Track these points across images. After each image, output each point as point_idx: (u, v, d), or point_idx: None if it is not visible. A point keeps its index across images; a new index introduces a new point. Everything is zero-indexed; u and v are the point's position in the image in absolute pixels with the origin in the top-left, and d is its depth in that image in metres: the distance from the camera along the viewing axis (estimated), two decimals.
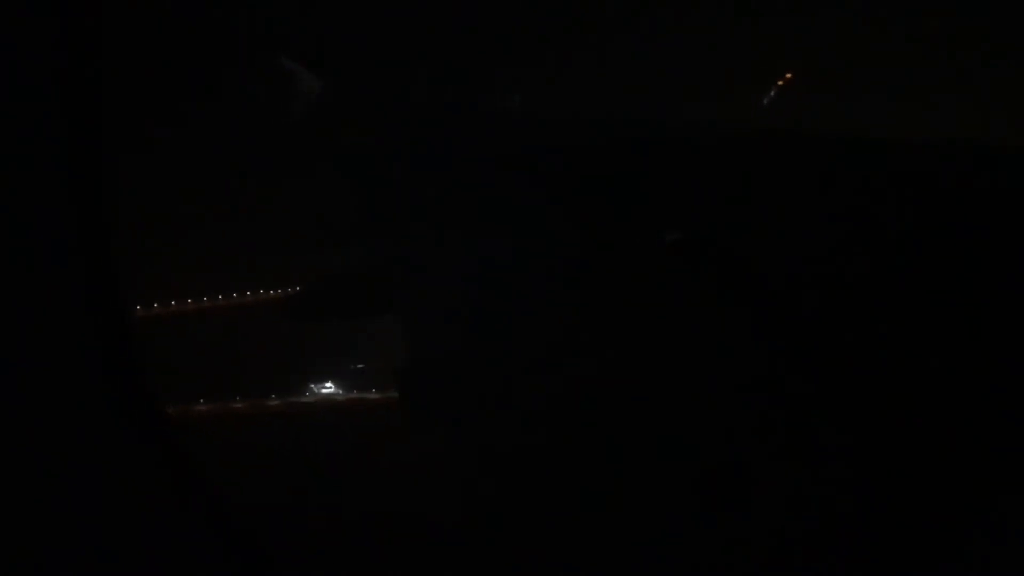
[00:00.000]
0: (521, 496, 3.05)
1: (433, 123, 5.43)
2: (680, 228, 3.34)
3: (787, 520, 2.51)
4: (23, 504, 2.24)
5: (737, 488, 2.62)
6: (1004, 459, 2.27)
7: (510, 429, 3.24)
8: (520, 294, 3.66)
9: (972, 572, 2.15)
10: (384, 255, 4.90)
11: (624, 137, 4.21)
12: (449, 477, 3.64)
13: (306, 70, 6.90)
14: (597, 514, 2.81)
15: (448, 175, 4.66)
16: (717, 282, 3.10)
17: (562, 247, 3.61)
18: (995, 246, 2.72)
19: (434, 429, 3.72)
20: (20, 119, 2.28)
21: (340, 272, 5.48)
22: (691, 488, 2.70)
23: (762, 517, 2.55)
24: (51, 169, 2.32)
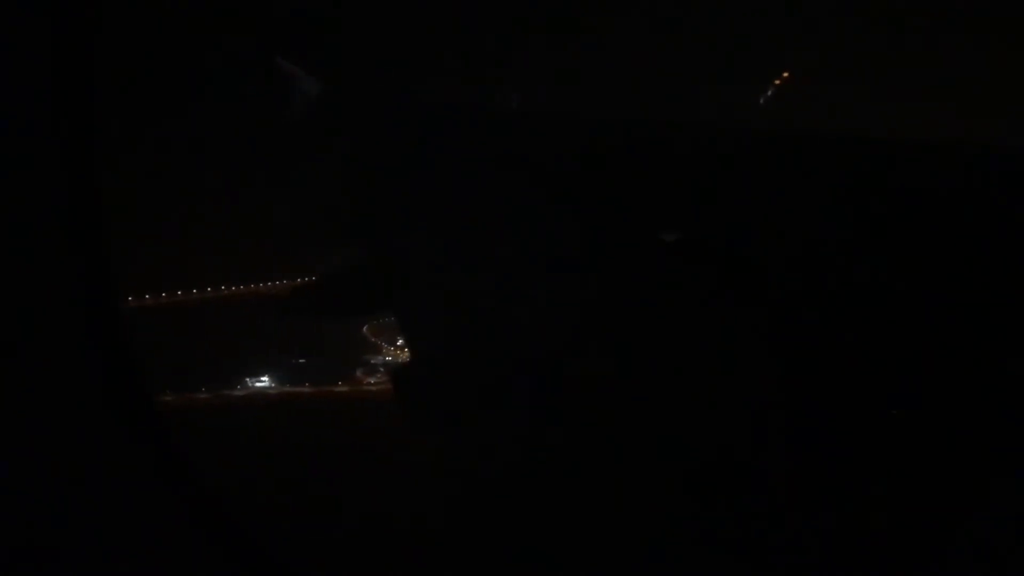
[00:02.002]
0: (520, 495, 3.04)
1: (433, 123, 5.42)
2: (680, 228, 3.35)
3: (786, 520, 2.51)
4: (22, 502, 2.24)
5: (736, 488, 2.62)
6: (1003, 460, 2.27)
7: (509, 428, 3.24)
8: (519, 293, 3.66)
9: (971, 572, 2.15)
10: (384, 254, 4.90)
11: (624, 137, 4.21)
12: (448, 476, 3.64)
13: (305, 70, 6.90)
14: (596, 513, 2.81)
15: (448, 174, 4.66)
16: (717, 282, 3.10)
17: (562, 247, 3.61)
18: (995, 246, 2.72)
19: (433, 428, 3.72)
20: (19, 119, 2.28)
21: (339, 271, 5.48)
22: (690, 487, 2.70)
23: (761, 517, 2.55)
24: (49, 168, 2.32)
